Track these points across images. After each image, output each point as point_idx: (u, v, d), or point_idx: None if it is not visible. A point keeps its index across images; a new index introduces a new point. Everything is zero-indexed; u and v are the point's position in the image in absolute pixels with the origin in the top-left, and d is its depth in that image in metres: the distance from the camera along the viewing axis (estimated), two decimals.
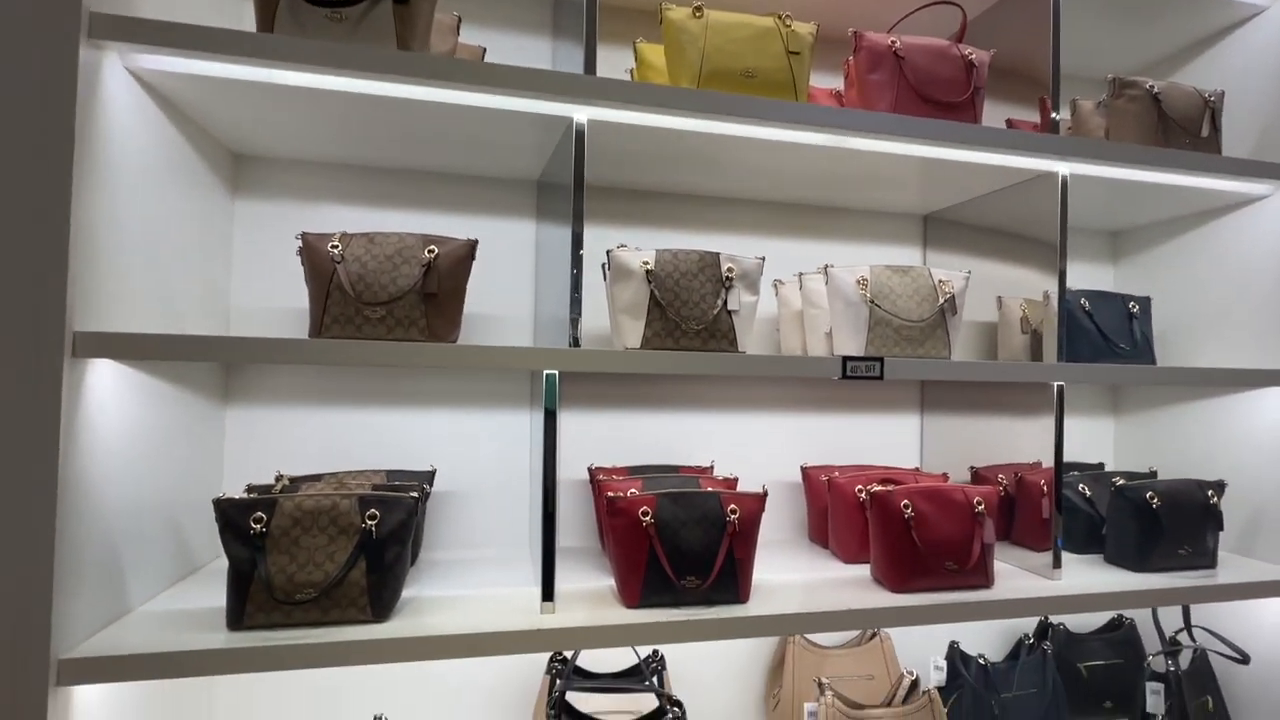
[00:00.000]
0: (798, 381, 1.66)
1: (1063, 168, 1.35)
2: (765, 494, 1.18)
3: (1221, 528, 1.41)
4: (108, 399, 0.95)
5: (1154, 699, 1.37)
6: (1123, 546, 1.42)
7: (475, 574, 1.27)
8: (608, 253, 1.21)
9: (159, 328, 1.07)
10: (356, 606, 1.01)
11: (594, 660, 1.35)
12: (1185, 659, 1.45)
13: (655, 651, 1.39)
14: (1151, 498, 1.38)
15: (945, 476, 1.49)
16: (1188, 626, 1.50)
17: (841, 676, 1.51)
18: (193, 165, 1.19)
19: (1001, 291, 1.62)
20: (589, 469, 1.45)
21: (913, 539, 1.21)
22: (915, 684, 1.33)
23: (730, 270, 1.21)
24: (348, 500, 1.04)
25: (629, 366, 1.10)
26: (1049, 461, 1.37)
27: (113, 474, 0.96)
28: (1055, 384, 1.33)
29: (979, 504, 1.26)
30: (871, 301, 1.25)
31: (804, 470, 1.57)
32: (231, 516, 0.99)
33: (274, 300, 1.38)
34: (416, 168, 1.44)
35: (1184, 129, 1.44)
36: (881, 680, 1.51)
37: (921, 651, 1.63)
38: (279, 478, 1.21)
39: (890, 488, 1.24)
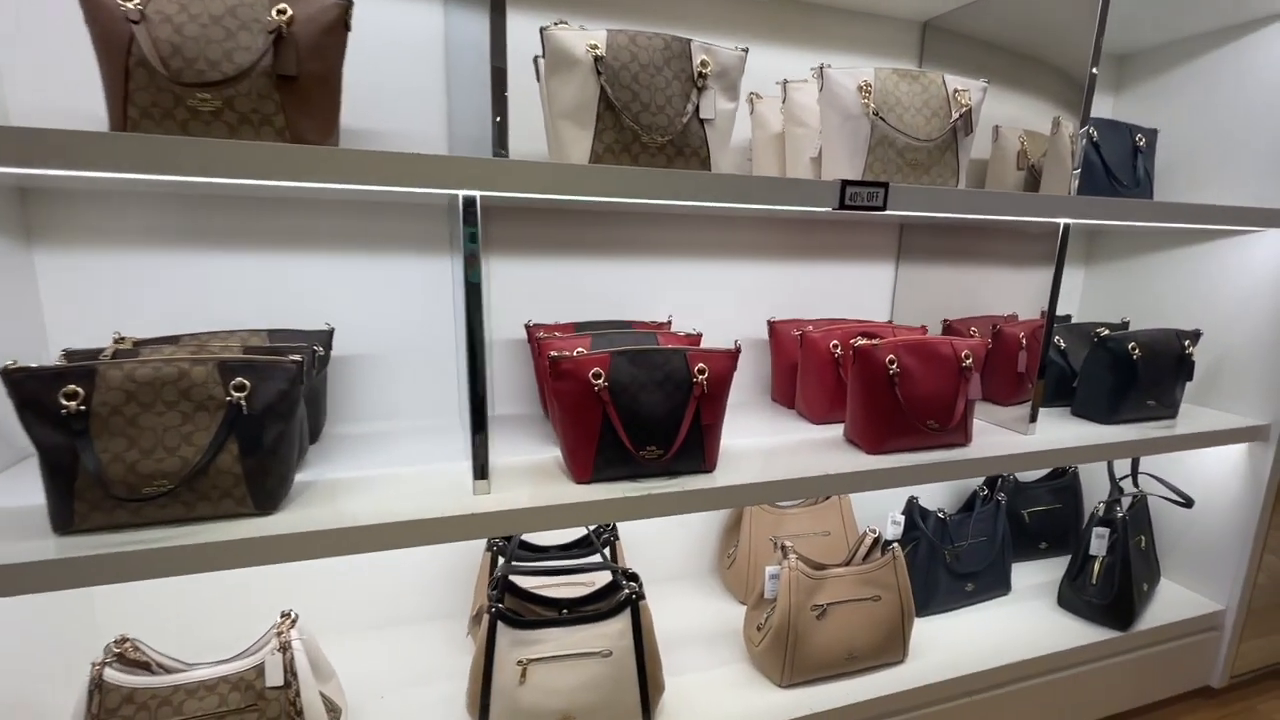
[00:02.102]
0: (762, 224, 1.44)
1: None
2: (738, 350, 1.00)
3: (1191, 378, 1.37)
4: None
5: (1098, 542, 1.39)
6: (1093, 399, 1.36)
7: (393, 450, 1.07)
8: (542, 32, 0.89)
9: None
10: (232, 498, 0.79)
11: (540, 533, 1.22)
12: (1128, 502, 1.47)
13: None
14: (1133, 349, 1.30)
15: (924, 330, 1.35)
16: (1135, 473, 1.51)
17: (798, 534, 1.46)
18: None
19: (997, 122, 1.41)
20: (526, 326, 1.22)
21: (895, 397, 1.08)
22: (878, 541, 1.28)
23: (705, 64, 0.92)
24: (202, 367, 0.78)
25: (572, 187, 0.83)
26: (1027, 314, 1.24)
27: None
28: (1061, 222, 1.16)
29: (966, 358, 1.13)
30: (875, 114, 1.01)
31: (771, 325, 1.40)
32: (30, 392, 0.72)
33: (78, 100, 0.99)
34: None
35: None
36: (838, 536, 1.48)
37: (879, 506, 1.60)
38: (118, 340, 0.92)
39: (874, 342, 1.08)
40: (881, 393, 1.09)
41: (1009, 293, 1.63)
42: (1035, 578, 1.58)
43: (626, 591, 1.04)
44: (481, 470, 0.89)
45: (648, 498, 0.92)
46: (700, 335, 1.16)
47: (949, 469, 1.10)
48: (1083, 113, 1.13)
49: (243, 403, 0.78)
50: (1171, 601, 1.50)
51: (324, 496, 0.87)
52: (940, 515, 1.40)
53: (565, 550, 1.26)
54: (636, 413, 0.94)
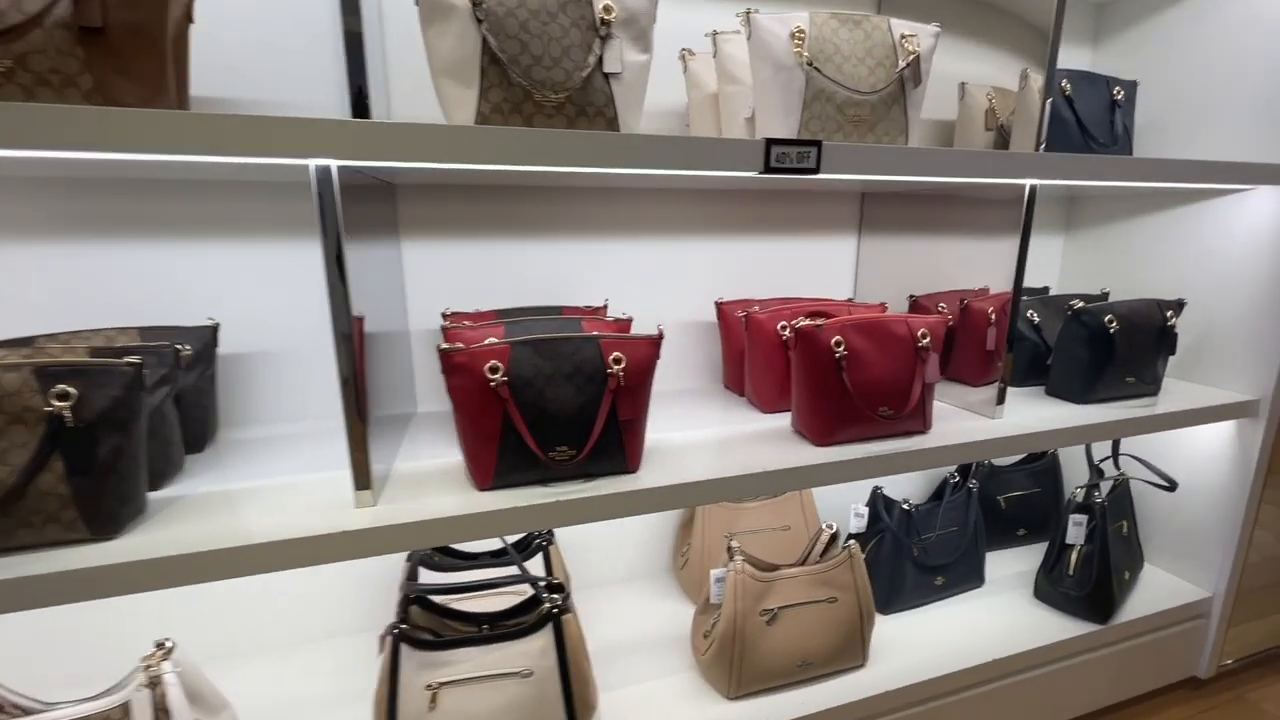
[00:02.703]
0: (710, 198, 1.32)
1: None
2: (660, 337, 0.89)
3: (1174, 352, 1.26)
4: None
5: (1075, 530, 1.30)
6: (1068, 377, 1.26)
7: (284, 457, 0.96)
8: None
9: None
10: (60, 523, 0.69)
11: None
12: (1108, 486, 1.38)
13: None
14: (1110, 322, 1.20)
15: (883, 307, 1.24)
16: (1115, 455, 1.41)
17: (756, 530, 1.37)
18: None
19: (965, 79, 1.29)
20: (443, 315, 1.11)
21: (843, 383, 0.98)
22: (835, 537, 1.18)
23: (608, 10, 0.80)
24: (15, 374, 0.67)
25: (447, 153, 0.72)
26: (1000, 287, 1.13)
27: None
28: (1026, 184, 1.05)
29: (923, 337, 1.02)
30: (809, 64, 0.89)
31: (719, 306, 1.29)
32: None
33: None
34: None
35: None
36: (799, 531, 1.38)
37: (843, 498, 1.50)
38: None
39: (819, 322, 0.98)
40: (827, 378, 0.98)
41: (980, 265, 1.52)
42: (1012, 567, 1.48)
43: (547, 605, 0.94)
44: (363, 480, 0.78)
45: (556, 505, 0.82)
46: (630, 320, 1.05)
47: (904, 460, 1.00)
48: (1048, 63, 1.02)
49: (66, 413, 0.68)
50: (1156, 589, 1.41)
51: (184, 515, 0.77)
52: (905, 506, 1.30)
53: (496, 557, 1.17)
54: (543, 410, 0.83)
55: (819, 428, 1.01)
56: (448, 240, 1.17)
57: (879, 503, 1.32)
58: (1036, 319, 1.35)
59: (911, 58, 0.92)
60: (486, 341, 0.82)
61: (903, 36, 0.93)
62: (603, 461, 0.88)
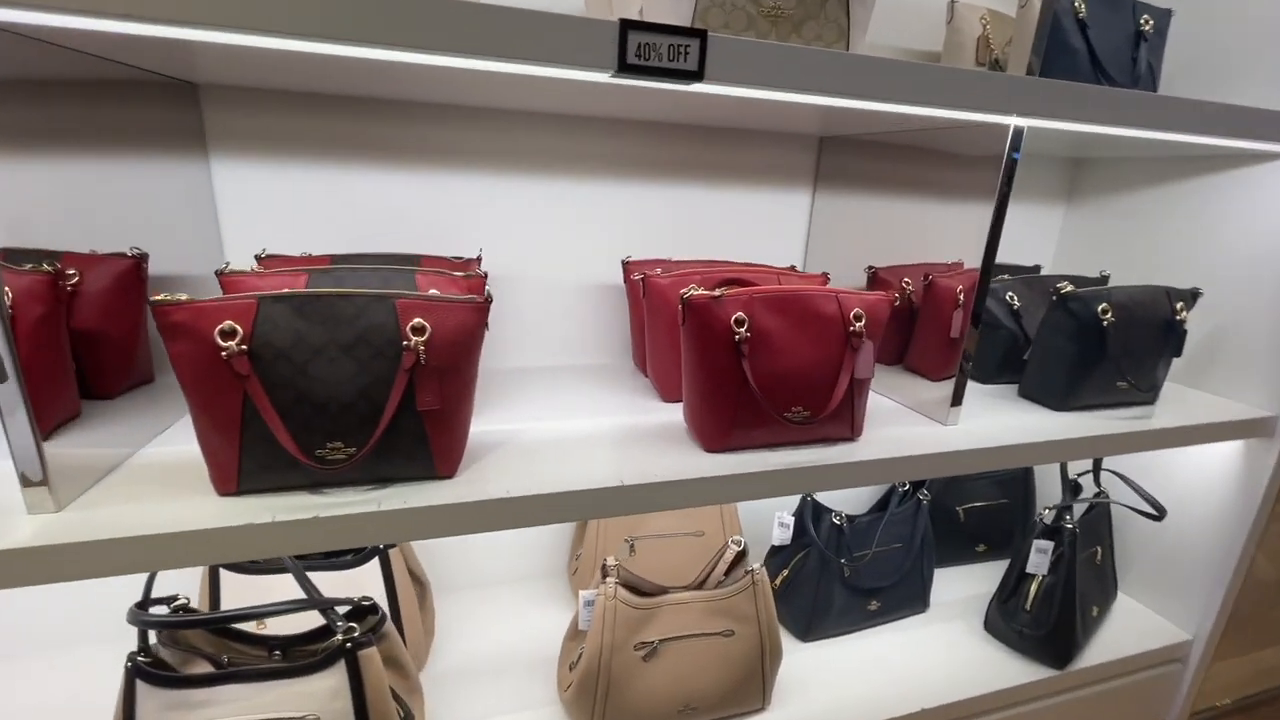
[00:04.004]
0: (633, 130, 1.07)
1: None
2: (486, 301, 0.66)
3: (1179, 353, 1.03)
4: None
5: (1038, 558, 1.09)
6: (1046, 377, 1.03)
7: None
8: None
9: None
10: None
11: None
12: (1083, 508, 1.17)
13: None
14: (1105, 311, 0.96)
15: (825, 278, 1.00)
16: (1096, 470, 1.19)
17: (664, 535, 1.16)
18: None
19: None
20: (256, 257, 0.88)
21: (743, 373, 0.75)
22: (742, 556, 0.97)
23: None
24: None
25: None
26: (977, 260, 0.89)
27: None
28: (1010, 123, 0.80)
29: (857, 320, 0.79)
30: None
31: (626, 266, 1.06)
32: None
33: None
34: None
35: None
36: (714, 538, 1.17)
37: (770, 503, 1.29)
38: None
39: (718, 292, 0.74)
40: (722, 366, 0.75)
41: (957, 234, 1.27)
42: (964, 589, 1.28)
43: (340, 638, 0.74)
44: (29, 475, 0.56)
45: (316, 522, 0.60)
46: (483, 277, 0.82)
47: (817, 477, 0.78)
48: None
49: None
50: (1128, 627, 1.21)
51: None
52: (836, 520, 1.09)
53: (328, 558, 0.96)
54: (305, 392, 0.61)
55: (709, 429, 0.78)
56: (280, 163, 0.93)
57: (807, 512, 1.11)
58: (1017, 303, 1.11)
59: None
60: (226, 297, 0.59)
61: None
62: (399, 463, 0.66)
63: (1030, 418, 0.98)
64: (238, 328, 0.58)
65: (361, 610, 0.80)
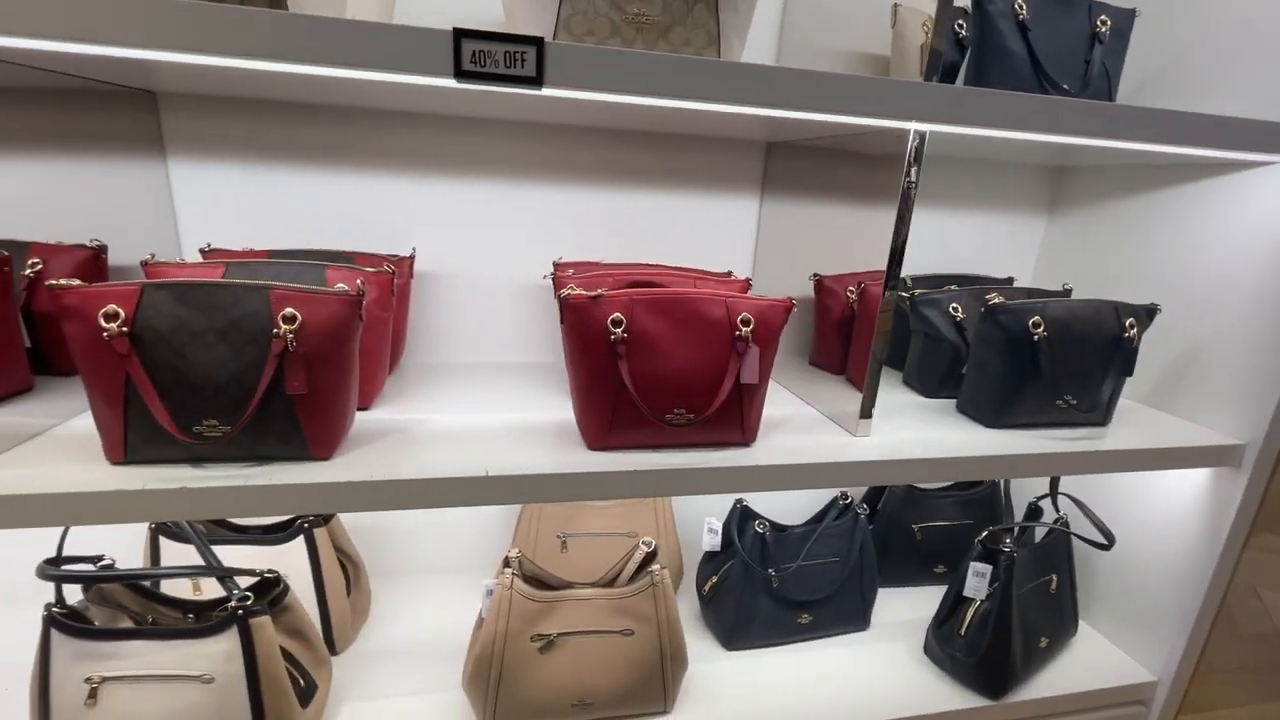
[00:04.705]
0: (571, 135, 1.09)
1: None
2: (358, 295, 0.70)
3: (1129, 371, 0.97)
4: None
5: (976, 581, 1.04)
6: (980, 393, 0.99)
7: None
8: None
9: None
10: None
11: None
12: (1039, 531, 1.11)
13: None
14: (1036, 325, 0.92)
15: (746, 285, 1.00)
16: (1054, 493, 1.13)
17: (596, 534, 1.18)
18: None
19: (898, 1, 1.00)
20: (201, 251, 0.95)
21: (618, 373, 0.76)
22: (651, 556, 0.98)
23: None
24: None
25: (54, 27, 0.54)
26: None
27: None
28: (911, 129, 0.78)
29: (744, 324, 0.79)
30: None
31: (556, 268, 1.08)
32: None
33: None
34: None
35: None
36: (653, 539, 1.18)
37: (704, 508, 1.29)
38: None
39: (594, 294, 0.76)
40: (600, 367, 0.77)
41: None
42: (912, 610, 1.24)
43: (234, 605, 0.79)
44: None
45: (183, 492, 0.65)
46: (390, 274, 0.86)
47: (697, 480, 0.78)
48: None
49: None
50: (1087, 662, 1.14)
51: None
52: (759, 529, 1.07)
53: (268, 533, 1.03)
54: (183, 373, 0.66)
55: (590, 428, 0.80)
56: (233, 166, 1.01)
57: (735, 520, 1.10)
58: (960, 314, 1.07)
59: None
60: (112, 284, 0.65)
61: None
62: (272, 444, 0.70)
63: (955, 433, 0.95)
64: (120, 311, 0.64)
65: (266, 582, 0.85)
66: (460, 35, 0.58)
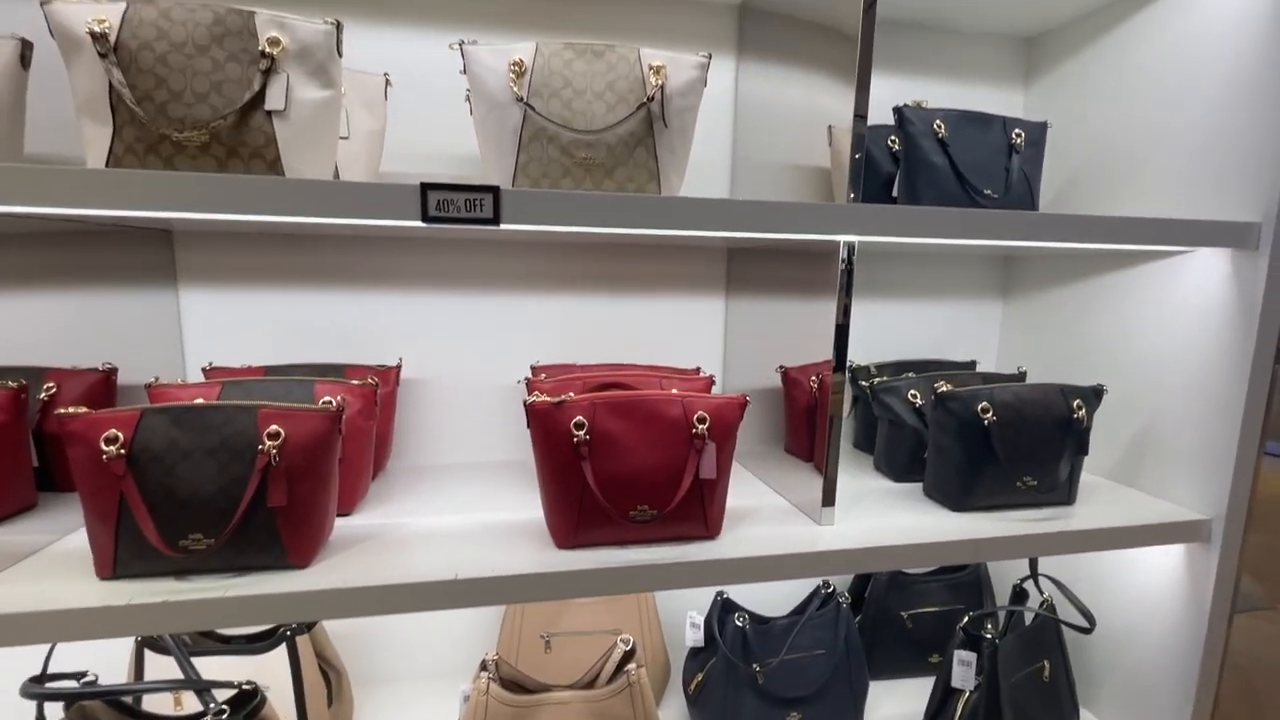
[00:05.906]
0: (541, 250, 1.20)
1: None
2: (336, 412, 0.76)
3: (1084, 450, 1.00)
4: None
5: (962, 671, 1.03)
6: (943, 476, 1.02)
7: None
8: (42, 7, 0.71)
9: None
10: None
11: None
12: (1027, 615, 1.10)
13: None
14: (985, 411, 0.96)
15: (710, 382, 1.06)
16: (1034, 575, 1.13)
17: (581, 632, 1.18)
18: None
19: (833, 121, 1.12)
20: (203, 370, 1.03)
21: (583, 473, 0.81)
22: (630, 655, 0.98)
23: (275, 42, 0.72)
24: None
25: (40, 195, 0.63)
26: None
27: None
28: (842, 241, 0.86)
29: (700, 421, 0.84)
30: (527, 102, 0.76)
31: (533, 370, 1.15)
32: None
33: None
34: None
35: None
36: (633, 637, 1.17)
37: (691, 598, 1.29)
38: None
39: (561, 398, 0.82)
40: (565, 468, 0.81)
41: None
42: (906, 704, 1.20)
43: None
44: None
45: (167, 605, 0.69)
46: (374, 385, 0.93)
47: (666, 575, 0.81)
48: (855, 103, 0.84)
49: None
50: None
51: None
52: (739, 622, 1.08)
53: (251, 642, 1.04)
54: (172, 490, 0.71)
55: (558, 527, 0.83)
56: (238, 290, 1.10)
57: (715, 613, 1.10)
58: (918, 400, 1.12)
59: (656, 90, 0.78)
60: (115, 410, 0.72)
61: (652, 68, 0.79)
62: (253, 554, 0.74)
63: (921, 518, 0.97)
64: (120, 435, 0.70)
65: (244, 695, 0.86)
66: (426, 189, 0.67)
